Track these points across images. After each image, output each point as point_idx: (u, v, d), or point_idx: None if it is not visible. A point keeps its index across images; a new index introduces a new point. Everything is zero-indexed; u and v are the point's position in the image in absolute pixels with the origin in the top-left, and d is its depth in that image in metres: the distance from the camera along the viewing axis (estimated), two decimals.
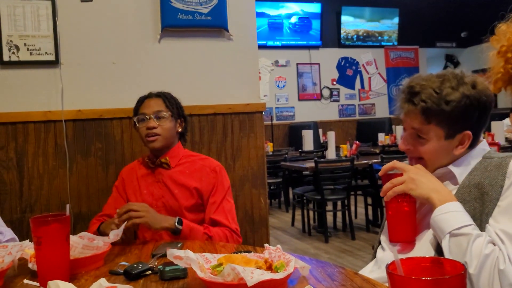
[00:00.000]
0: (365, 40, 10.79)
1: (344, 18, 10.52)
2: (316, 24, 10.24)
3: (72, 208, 2.30)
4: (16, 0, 2.34)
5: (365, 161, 5.32)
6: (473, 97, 1.20)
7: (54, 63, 2.40)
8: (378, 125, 9.73)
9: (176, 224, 1.73)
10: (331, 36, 10.49)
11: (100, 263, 1.40)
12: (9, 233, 1.80)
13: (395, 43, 10.98)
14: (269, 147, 7.50)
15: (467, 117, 1.21)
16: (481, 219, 1.15)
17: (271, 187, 7.17)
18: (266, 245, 1.25)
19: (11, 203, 2.34)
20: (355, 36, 10.67)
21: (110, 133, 2.46)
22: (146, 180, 1.98)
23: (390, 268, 0.73)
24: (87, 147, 2.44)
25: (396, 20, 10.92)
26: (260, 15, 9.51)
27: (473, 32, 11.27)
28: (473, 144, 1.26)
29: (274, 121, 9.84)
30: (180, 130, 2.03)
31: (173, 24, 2.52)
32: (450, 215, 1.13)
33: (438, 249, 1.16)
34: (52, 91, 2.41)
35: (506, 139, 6.26)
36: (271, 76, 10.01)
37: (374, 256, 1.40)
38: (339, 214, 5.67)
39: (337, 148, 6.00)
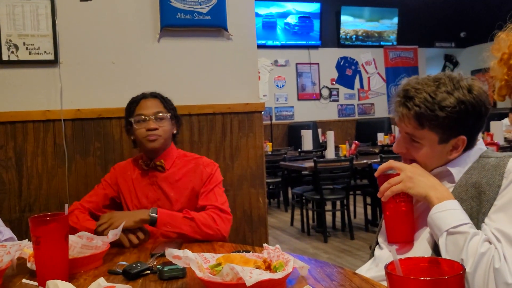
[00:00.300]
0: (365, 40, 10.79)
1: (344, 18, 10.52)
2: (315, 24, 10.24)
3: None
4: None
5: (364, 161, 5.32)
6: (469, 102, 1.19)
7: (53, 63, 2.40)
8: (377, 125, 9.73)
9: (150, 213, 1.68)
10: (330, 36, 10.49)
11: (99, 263, 1.40)
12: (8, 232, 1.80)
13: (394, 43, 10.98)
14: (268, 147, 7.50)
15: (461, 122, 1.20)
16: (477, 218, 1.15)
17: (270, 187, 7.17)
18: (265, 245, 1.25)
19: (10, 202, 2.34)
20: (354, 36, 10.67)
21: (109, 132, 2.46)
22: (141, 182, 1.94)
23: (389, 268, 0.74)
24: (86, 146, 2.44)
25: (395, 20, 10.92)
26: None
27: (472, 32, 11.28)
28: (469, 147, 1.26)
29: (273, 121, 9.84)
30: (175, 131, 1.99)
31: (173, 23, 2.52)
32: (448, 213, 1.13)
33: (436, 248, 1.16)
34: (51, 90, 2.41)
35: (505, 139, 6.27)
36: (271, 75, 10.01)
37: (372, 256, 1.40)
38: (338, 214, 5.67)
39: (336, 148, 6.00)
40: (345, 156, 5.66)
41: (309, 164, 5.05)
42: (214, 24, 2.58)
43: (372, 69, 10.85)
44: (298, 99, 10.26)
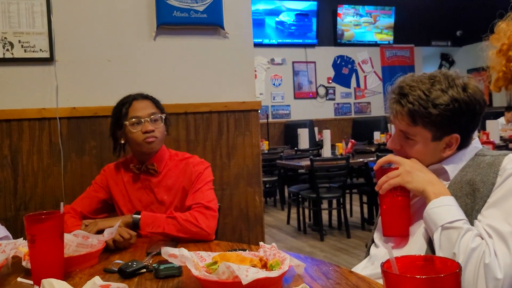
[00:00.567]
0: (361, 39, 10.80)
1: (340, 17, 10.53)
2: (312, 22, 10.24)
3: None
4: None
5: (361, 160, 5.33)
6: (463, 101, 1.19)
7: (48, 60, 2.39)
8: (374, 123, 9.75)
9: (133, 215, 1.67)
10: (327, 34, 10.49)
11: (95, 261, 1.39)
12: (3, 231, 1.80)
13: (391, 41, 11.00)
14: (265, 145, 7.50)
15: (455, 120, 1.20)
16: (472, 215, 1.16)
17: (267, 185, 7.17)
18: (261, 243, 1.25)
19: (5, 200, 2.33)
20: (351, 34, 10.68)
21: (105, 131, 2.45)
22: (133, 186, 1.90)
23: (385, 267, 0.73)
24: (82, 145, 2.43)
25: (392, 18, 10.94)
26: None
27: (468, 31, 11.32)
28: (463, 145, 1.26)
29: (270, 119, 9.85)
30: (166, 133, 1.95)
31: (169, 21, 2.51)
32: (444, 208, 1.14)
33: (431, 243, 1.16)
34: (47, 88, 2.40)
35: (501, 138, 6.29)
36: (267, 74, 10.01)
37: (368, 254, 1.41)
38: (334, 212, 5.68)
39: (333, 147, 6.00)
40: (341, 154, 5.66)
41: (306, 162, 5.05)
42: (211, 22, 2.58)
43: (368, 68, 10.86)
44: (295, 98, 10.27)
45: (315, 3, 10.19)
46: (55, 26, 2.39)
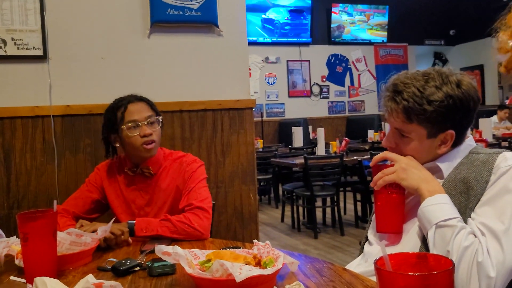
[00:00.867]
0: (355, 38, 10.82)
1: (334, 15, 10.54)
2: (307, 19, 10.24)
3: (60, 204, 2.28)
4: None
5: (355, 158, 5.34)
6: (457, 97, 1.20)
7: (42, 58, 2.38)
8: (368, 122, 9.77)
9: (129, 221, 1.66)
10: (321, 33, 10.51)
11: (88, 259, 1.39)
12: None
13: (385, 40, 11.02)
14: (259, 144, 7.50)
15: (449, 117, 1.21)
16: (465, 213, 1.16)
17: (261, 183, 7.17)
18: (255, 241, 1.25)
19: None
20: (345, 33, 10.70)
21: (99, 129, 2.42)
22: (128, 188, 1.88)
23: (379, 264, 0.74)
24: (76, 143, 2.42)
25: (385, 17, 10.96)
26: None
27: (461, 30, 11.37)
28: (458, 142, 1.26)
29: (264, 118, 9.84)
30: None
31: (163, 19, 2.51)
32: (438, 206, 1.14)
33: (425, 241, 1.17)
34: (40, 86, 2.39)
35: (494, 136, 6.33)
36: (262, 72, 10.00)
37: (361, 251, 1.41)
38: (328, 210, 5.69)
39: (327, 145, 6.02)
40: (335, 153, 5.67)
41: (300, 160, 5.06)
42: (205, 20, 2.57)
43: (362, 67, 10.88)
44: (289, 96, 10.27)
45: (309, 1, 10.19)
46: (49, 24, 2.38)
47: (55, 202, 1.30)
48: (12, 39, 2.33)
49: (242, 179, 2.65)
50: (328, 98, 10.59)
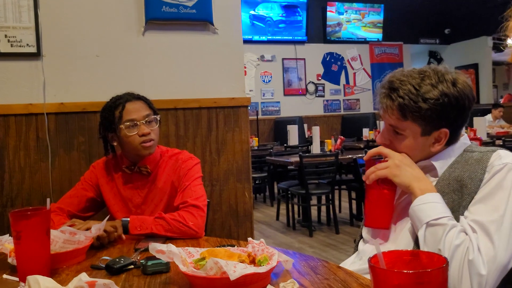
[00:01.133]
0: (350, 36, 10.83)
1: (330, 14, 10.54)
2: (303, 17, 10.23)
3: (54, 202, 2.28)
4: None
5: (350, 156, 5.35)
6: (452, 95, 1.20)
7: (35, 55, 2.36)
8: (363, 120, 9.79)
9: (122, 219, 1.65)
10: (316, 31, 10.51)
11: (82, 258, 1.38)
12: None
13: (380, 39, 11.04)
14: (255, 142, 7.50)
15: (444, 115, 1.21)
16: (458, 211, 1.16)
17: (256, 182, 7.18)
18: (249, 239, 1.25)
19: None
20: (340, 31, 10.70)
21: (93, 126, 2.43)
22: (124, 186, 1.87)
23: (373, 262, 0.74)
24: (70, 140, 2.41)
25: (381, 16, 10.98)
26: None
27: (456, 29, 11.41)
28: (452, 140, 1.27)
29: (260, 116, 9.84)
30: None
31: (158, 17, 2.50)
32: (429, 205, 1.14)
33: (418, 239, 1.17)
34: (34, 83, 2.37)
35: (488, 135, 6.35)
36: (257, 70, 10.00)
37: (356, 249, 1.41)
38: (323, 208, 5.70)
39: (322, 143, 6.03)
40: (330, 151, 5.69)
41: (295, 159, 5.06)
42: (200, 18, 2.57)
43: (357, 65, 10.90)
44: (284, 95, 10.27)
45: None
46: (42, 21, 2.37)
47: (48, 200, 1.29)
48: (6, 36, 2.32)
49: (237, 177, 2.64)
50: (323, 96, 10.59)
